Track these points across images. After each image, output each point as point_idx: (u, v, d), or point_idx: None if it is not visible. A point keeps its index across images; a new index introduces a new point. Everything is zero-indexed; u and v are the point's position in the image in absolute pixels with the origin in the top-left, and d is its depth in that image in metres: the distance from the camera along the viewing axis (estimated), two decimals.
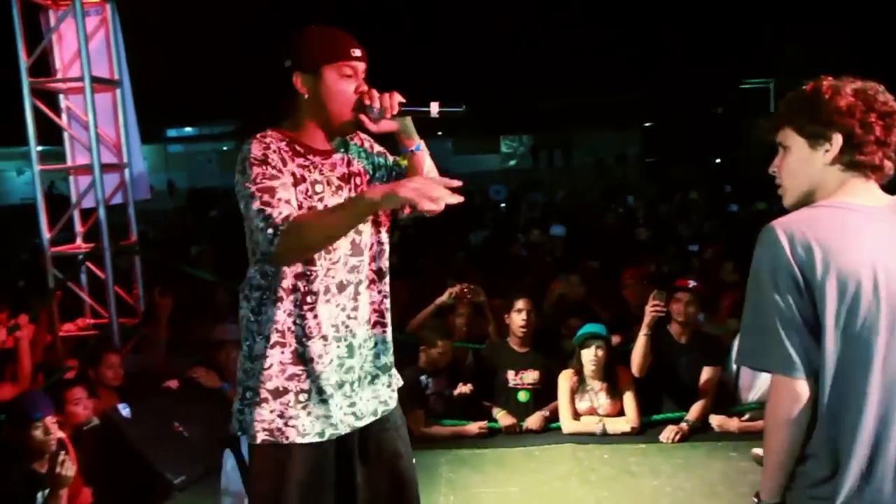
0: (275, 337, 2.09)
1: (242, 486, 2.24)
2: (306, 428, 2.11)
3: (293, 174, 2.05)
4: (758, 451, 3.94)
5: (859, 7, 21.09)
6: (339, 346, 2.14)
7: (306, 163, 2.09)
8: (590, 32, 29.71)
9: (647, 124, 27.85)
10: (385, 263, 2.25)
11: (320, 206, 2.06)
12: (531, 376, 4.74)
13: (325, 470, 2.16)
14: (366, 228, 2.18)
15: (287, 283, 2.08)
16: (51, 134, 5.42)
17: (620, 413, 4.51)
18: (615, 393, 4.53)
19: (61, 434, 3.51)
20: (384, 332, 2.26)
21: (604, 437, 4.38)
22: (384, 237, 2.24)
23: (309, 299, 2.09)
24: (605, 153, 32.28)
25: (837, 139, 1.66)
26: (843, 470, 1.61)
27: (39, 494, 3.29)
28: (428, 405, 4.63)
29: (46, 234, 5.36)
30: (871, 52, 20.92)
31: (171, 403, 4.20)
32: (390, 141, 2.21)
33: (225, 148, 39.95)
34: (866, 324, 1.59)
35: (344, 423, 2.16)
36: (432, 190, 1.80)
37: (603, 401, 4.53)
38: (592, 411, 4.53)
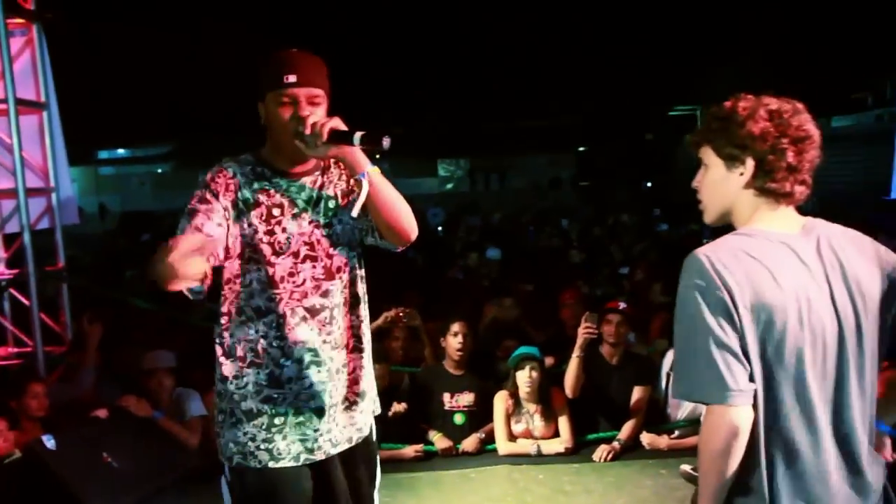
0: (249, 357, 2.11)
1: None
2: (281, 452, 2.12)
3: (245, 200, 2.08)
4: (686, 467, 4.06)
5: (782, 34, 22.06)
6: (318, 371, 2.14)
7: (268, 186, 2.12)
8: (526, 58, 30.28)
9: (580, 149, 28.46)
10: (361, 289, 2.26)
11: (278, 230, 2.09)
12: (467, 399, 4.78)
13: (301, 495, 2.15)
14: (337, 252, 2.17)
15: (255, 303, 2.10)
16: None
17: (556, 435, 4.58)
18: (550, 415, 4.60)
19: None
20: (361, 357, 2.27)
21: (538, 458, 4.45)
22: (356, 262, 2.24)
23: (281, 321, 2.10)
24: (540, 177, 32.83)
25: (750, 164, 1.67)
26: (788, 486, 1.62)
27: None
28: None
29: None
30: (795, 77, 21.91)
31: (100, 433, 4.07)
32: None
33: (159, 170, 39.12)
34: (795, 357, 1.60)
35: (321, 450, 2.17)
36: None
37: (538, 423, 4.60)
38: (528, 434, 4.59)
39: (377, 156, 2.08)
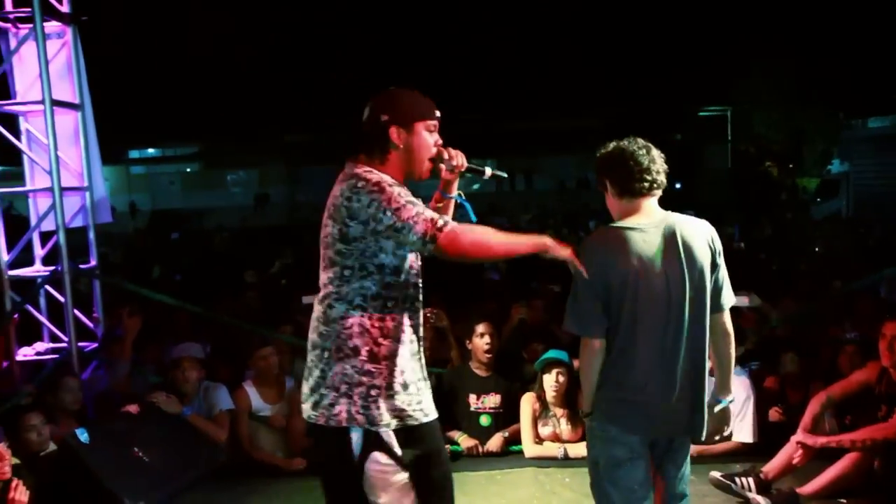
0: (402, 337, 2.50)
1: (400, 471, 2.49)
2: (428, 408, 2.55)
3: None
4: (715, 473, 4.02)
5: (812, 36, 21.76)
6: (422, 346, 2.61)
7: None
8: (553, 57, 30.16)
9: None
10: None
11: None
12: (493, 400, 4.78)
13: (440, 440, 2.66)
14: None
15: (408, 292, 2.53)
16: (7, 153, 5.35)
17: (582, 439, 4.54)
18: (577, 419, 4.58)
19: (15, 460, 3.46)
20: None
21: (565, 461, 4.43)
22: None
23: (417, 305, 2.57)
24: (568, 178, 32.66)
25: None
26: (628, 386, 2.61)
27: None
28: None
29: (4, 257, 5.28)
30: (830, 78, 21.60)
31: (131, 428, 4.14)
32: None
33: (188, 170, 39.52)
34: (636, 302, 2.55)
35: (434, 412, 2.60)
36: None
37: (565, 427, 4.59)
38: (555, 437, 4.58)
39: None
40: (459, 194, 2.71)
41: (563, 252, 2.50)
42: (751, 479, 3.93)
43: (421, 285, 2.60)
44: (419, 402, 2.52)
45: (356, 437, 2.45)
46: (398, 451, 2.48)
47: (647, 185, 2.63)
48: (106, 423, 4.25)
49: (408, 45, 29.89)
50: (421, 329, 2.59)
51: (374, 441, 2.46)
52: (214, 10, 27.38)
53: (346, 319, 2.47)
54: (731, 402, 2.82)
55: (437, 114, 2.55)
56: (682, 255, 2.57)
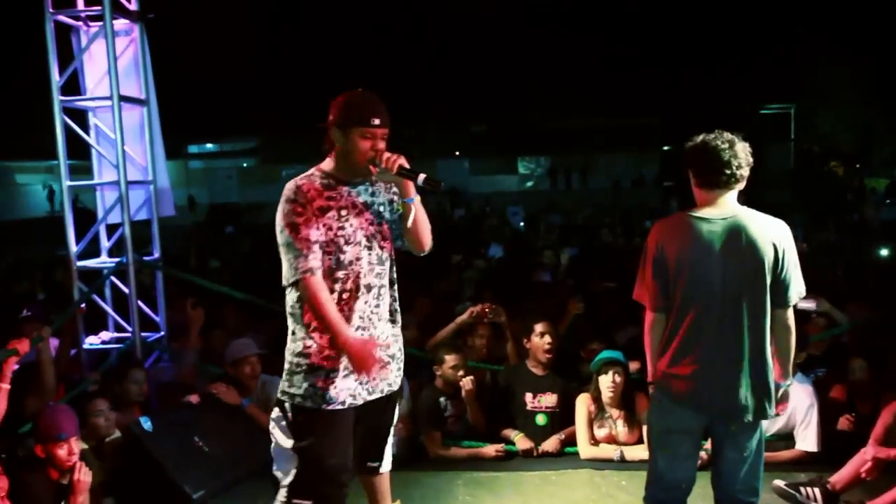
0: (314, 325, 2.75)
1: (291, 439, 2.81)
2: (332, 398, 2.78)
3: (320, 207, 2.73)
4: (779, 482, 3.91)
5: (878, 32, 21.02)
6: (363, 335, 2.78)
7: (334, 194, 2.79)
8: (610, 54, 29.79)
9: (665, 147, 27.79)
10: (394, 274, 2.95)
11: (346, 225, 2.77)
12: (549, 399, 4.73)
13: (345, 428, 2.83)
14: (385, 244, 2.89)
15: (327, 283, 2.72)
16: (75, 147, 5.50)
17: (639, 441, 4.48)
18: (634, 421, 4.51)
19: (84, 445, 3.56)
20: (395, 327, 2.97)
21: (622, 464, 4.35)
22: (393, 253, 2.95)
23: (344, 296, 2.77)
24: (623, 176, 32.24)
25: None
26: (683, 360, 2.86)
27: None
28: (446, 427, 4.64)
29: (74, 248, 5.43)
30: (893, 74, 20.84)
31: (192, 418, 4.23)
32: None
33: (245, 164, 40.30)
34: (691, 288, 2.80)
35: (360, 397, 2.84)
36: (365, 366, 2.65)
37: (621, 428, 4.51)
38: (611, 439, 4.51)
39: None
40: (415, 198, 2.83)
41: (358, 359, 2.65)
42: (817, 490, 3.81)
43: (360, 272, 2.78)
44: (323, 388, 2.77)
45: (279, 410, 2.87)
46: (288, 424, 2.81)
47: (723, 178, 2.83)
48: (168, 412, 4.34)
49: (466, 41, 29.85)
50: (353, 318, 2.77)
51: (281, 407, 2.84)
52: (273, 6, 27.78)
53: (287, 298, 2.84)
54: (789, 385, 3.01)
55: (375, 122, 2.73)
56: (743, 249, 2.78)
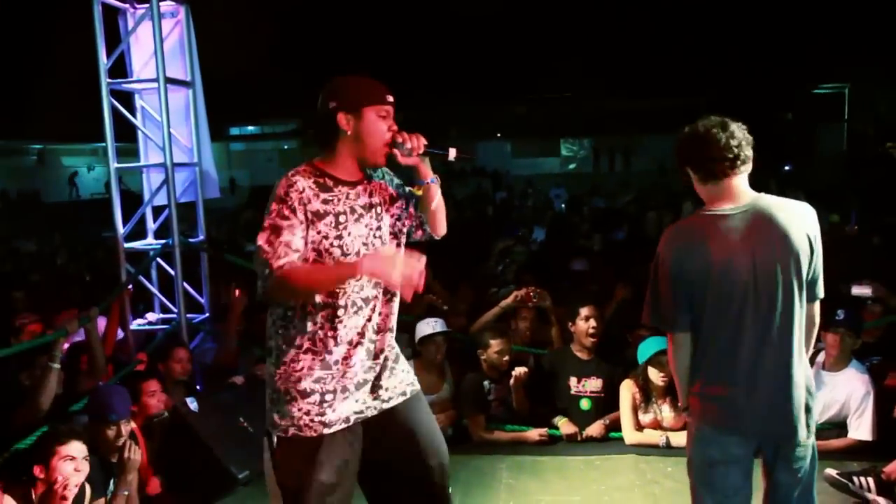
0: (306, 345, 2.40)
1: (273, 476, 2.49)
2: (331, 420, 2.40)
3: (315, 211, 2.35)
4: (831, 471, 3.81)
5: None
6: (360, 350, 2.45)
7: (331, 196, 2.40)
8: (654, 33, 29.23)
9: None
10: None
11: (345, 234, 2.39)
12: (594, 384, 4.67)
13: (350, 449, 2.46)
14: (385, 250, 2.49)
15: (318, 299, 2.38)
16: (120, 130, 5.57)
17: (685, 426, 4.39)
18: (679, 406, 4.42)
19: (133, 425, 3.61)
20: (392, 334, 2.58)
21: (667, 450, 4.28)
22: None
23: (339, 312, 2.40)
24: (667, 158, 31.73)
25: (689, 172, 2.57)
26: (716, 382, 2.48)
27: (111, 483, 3.39)
28: (489, 411, 4.61)
29: (121, 230, 5.51)
30: None
31: (237, 399, 4.27)
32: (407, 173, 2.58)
33: (286, 146, 40.60)
34: (720, 294, 2.40)
35: (371, 408, 2.50)
36: (409, 272, 2.18)
37: (667, 413, 4.44)
38: (657, 424, 4.44)
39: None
40: (434, 178, 2.54)
41: (385, 270, 2.20)
42: (870, 479, 3.70)
43: (358, 285, 2.42)
44: (320, 413, 2.39)
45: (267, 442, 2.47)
46: (272, 457, 2.44)
47: (727, 163, 2.44)
48: (213, 393, 4.39)
49: (505, 23, 29.57)
50: (350, 335, 2.42)
51: (276, 446, 2.43)
52: None
53: (268, 318, 2.48)
54: None
55: (390, 99, 2.43)
56: (774, 241, 2.39)
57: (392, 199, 2.56)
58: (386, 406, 2.54)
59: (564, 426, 4.52)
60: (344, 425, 2.43)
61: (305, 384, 2.39)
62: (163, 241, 5.54)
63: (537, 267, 7.23)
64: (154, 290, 5.71)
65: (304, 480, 2.38)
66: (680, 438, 4.31)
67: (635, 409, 4.48)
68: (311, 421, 2.38)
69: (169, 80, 5.33)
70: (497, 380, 4.64)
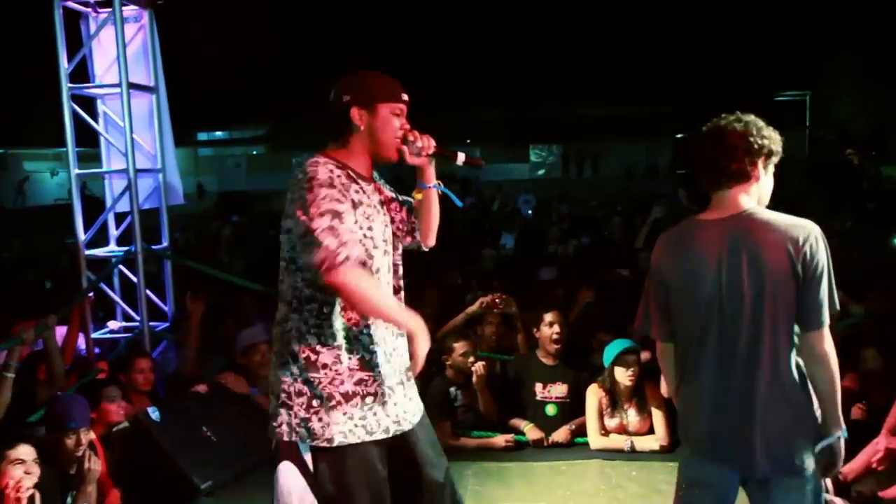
0: (344, 345, 2.29)
1: (309, 491, 2.30)
2: (373, 427, 2.30)
3: (352, 201, 2.27)
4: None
5: (893, 18, 20.72)
6: (394, 352, 2.38)
7: (358, 189, 2.33)
8: (622, 42, 29.56)
9: (678, 135, 27.62)
10: (402, 281, 2.52)
11: (374, 226, 2.34)
12: (559, 390, 4.70)
13: (391, 461, 2.36)
14: (397, 247, 2.50)
15: None
16: (82, 136, 5.49)
17: (650, 431, 4.44)
18: (644, 410, 4.47)
19: (92, 435, 3.55)
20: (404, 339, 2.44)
21: (632, 454, 4.32)
22: (400, 259, 2.53)
23: None
24: (636, 164, 32.06)
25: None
26: (689, 403, 2.39)
27: (69, 495, 3.32)
28: (456, 417, 4.62)
29: (82, 237, 5.42)
30: None
31: (200, 408, 4.22)
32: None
33: (254, 152, 40.28)
34: (689, 308, 2.30)
35: (406, 421, 2.40)
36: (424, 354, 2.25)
37: (633, 418, 4.47)
38: (622, 428, 4.47)
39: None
40: (438, 183, 2.51)
41: (421, 346, 2.23)
42: (828, 480, 3.76)
43: (393, 284, 2.43)
44: (362, 417, 2.28)
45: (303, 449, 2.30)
46: (311, 469, 2.29)
47: (711, 178, 2.30)
48: (176, 402, 4.33)
49: (477, 26, 29.69)
50: (386, 334, 2.35)
51: (305, 454, 2.30)
52: None
53: (287, 322, 2.32)
54: (836, 438, 2.26)
55: (405, 97, 2.40)
56: (746, 258, 2.19)
57: (392, 201, 2.53)
58: (414, 420, 2.43)
59: (531, 432, 4.54)
60: (384, 435, 2.33)
61: (347, 387, 2.27)
62: (125, 249, 5.47)
63: (505, 273, 7.26)
64: (116, 298, 5.62)
65: (357, 491, 2.27)
66: (645, 443, 4.36)
67: (601, 414, 4.51)
68: (355, 426, 2.27)
69: (132, 86, 5.27)
70: (463, 385, 4.65)
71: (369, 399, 2.30)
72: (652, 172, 30.91)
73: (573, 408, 4.65)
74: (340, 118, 2.36)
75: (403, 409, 2.39)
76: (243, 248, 11.32)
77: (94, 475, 3.35)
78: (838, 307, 2.24)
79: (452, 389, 4.63)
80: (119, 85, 5.20)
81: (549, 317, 4.70)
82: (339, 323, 2.29)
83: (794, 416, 2.23)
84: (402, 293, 2.50)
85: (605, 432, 4.48)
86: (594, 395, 4.52)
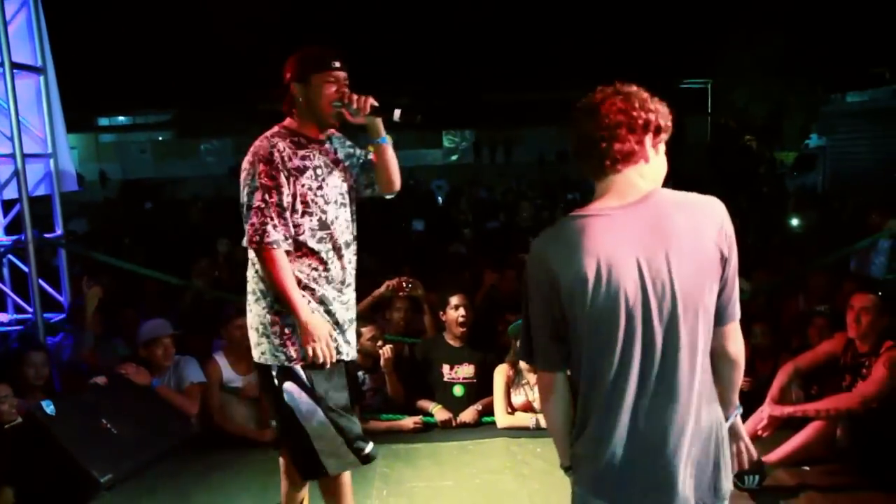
0: (305, 282, 2.70)
1: (310, 401, 2.74)
2: (340, 349, 2.78)
3: (296, 167, 2.66)
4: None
5: (795, 9, 21.69)
6: (345, 294, 2.82)
7: (308, 152, 2.72)
8: (531, 28, 29.94)
9: None
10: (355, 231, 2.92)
11: (325, 185, 2.72)
12: (466, 371, 4.77)
13: (347, 378, 2.88)
14: (352, 201, 2.86)
15: (312, 243, 2.70)
16: None
17: None
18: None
19: None
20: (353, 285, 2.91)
21: (537, 431, 4.43)
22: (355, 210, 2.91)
23: (331, 255, 2.75)
24: (548, 150, 32.63)
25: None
26: (594, 432, 1.87)
27: None
28: (364, 401, 4.63)
29: None
30: (805, 52, 21.61)
31: (99, 400, 4.07)
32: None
33: (160, 138, 38.88)
34: (601, 317, 1.80)
35: (353, 352, 2.92)
36: (320, 352, 2.67)
37: (538, 394, 4.58)
38: (528, 405, 4.58)
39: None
40: (386, 137, 2.80)
41: (303, 337, 2.67)
42: (756, 476, 3.92)
43: (339, 231, 2.76)
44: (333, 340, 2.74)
45: (275, 372, 2.72)
46: (309, 385, 2.72)
47: (593, 163, 1.90)
48: (73, 394, 4.18)
49: (389, 12, 29.47)
50: (338, 275, 2.76)
51: (288, 375, 2.72)
52: None
53: (255, 264, 2.75)
54: (736, 415, 2.03)
55: (337, 64, 2.68)
56: (672, 246, 1.79)
57: (348, 157, 2.87)
58: (354, 355, 2.93)
59: (438, 413, 4.60)
60: (346, 357, 2.83)
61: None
62: (14, 237, 5.21)
63: (415, 257, 7.30)
64: (6, 289, 5.36)
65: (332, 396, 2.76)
66: None
67: (508, 394, 4.60)
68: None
69: (15, 66, 4.99)
70: (371, 369, 4.66)
71: (333, 327, 2.75)
72: (563, 157, 31.54)
73: (480, 388, 4.74)
74: (286, 96, 2.73)
75: (349, 343, 2.87)
76: (150, 235, 10.98)
77: None
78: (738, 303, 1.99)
79: (360, 373, 4.64)
80: (1, 64, 4.92)
81: (454, 300, 4.77)
82: (301, 266, 2.70)
83: (721, 429, 1.92)
84: (356, 244, 2.89)
85: (512, 411, 4.59)
86: (501, 375, 4.61)
